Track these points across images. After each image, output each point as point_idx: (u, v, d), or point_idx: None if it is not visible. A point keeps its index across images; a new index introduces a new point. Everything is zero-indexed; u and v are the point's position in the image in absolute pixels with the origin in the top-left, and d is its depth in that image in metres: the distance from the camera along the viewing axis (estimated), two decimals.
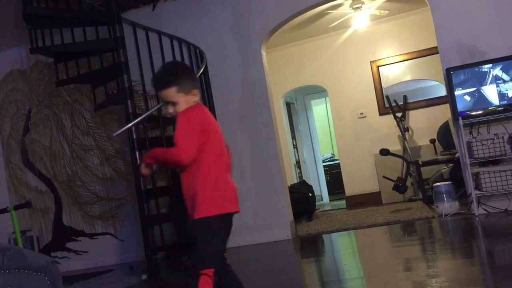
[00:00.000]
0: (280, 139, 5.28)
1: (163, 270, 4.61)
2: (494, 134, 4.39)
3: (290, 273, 3.70)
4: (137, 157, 4.45)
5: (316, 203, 6.83)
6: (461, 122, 4.41)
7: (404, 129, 6.76)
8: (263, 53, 5.22)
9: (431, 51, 6.45)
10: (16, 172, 6.11)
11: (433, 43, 5.07)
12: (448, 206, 4.72)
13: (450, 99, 4.57)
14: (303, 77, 7.63)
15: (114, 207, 5.67)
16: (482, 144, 4.38)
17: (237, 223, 5.44)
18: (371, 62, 7.25)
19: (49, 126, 5.96)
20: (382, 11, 6.38)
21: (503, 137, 4.37)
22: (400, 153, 6.49)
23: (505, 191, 4.34)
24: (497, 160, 4.45)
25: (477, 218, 4.31)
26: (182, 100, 2.25)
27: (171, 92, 2.24)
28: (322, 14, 6.29)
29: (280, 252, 4.63)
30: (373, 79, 7.23)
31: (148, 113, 4.45)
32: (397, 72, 7.21)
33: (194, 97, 2.28)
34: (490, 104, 4.42)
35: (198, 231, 2.17)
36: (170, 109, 2.28)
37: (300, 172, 8.60)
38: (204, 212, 2.17)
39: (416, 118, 7.00)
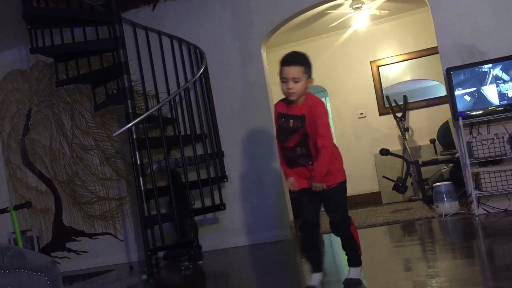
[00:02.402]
0: None
1: (163, 270, 4.61)
2: (494, 134, 4.39)
3: (290, 273, 3.70)
4: (137, 157, 4.46)
5: None
6: (461, 122, 4.41)
7: (404, 129, 6.76)
8: (263, 53, 5.22)
9: (431, 51, 6.44)
10: (16, 172, 6.11)
11: (433, 43, 5.07)
12: (448, 206, 4.71)
13: (450, 99, 4.57)
14: None
15: (114, 207, 5.67)
16: (482, 144, 4.38)
17: (237, 223, 5.47)
18: (371, 62, 7.24)
19: (49, 126, 5.97)
20: (382, 11, 6.38)
21: (503, 137, 4.36)
22: (400, 153, 6.49)
23: (505, 191, 4.34)
24: (497, 160, 4.45)
25: (477, 218, 4.31)
26: (304, 81, 2.64)
27: (301, 70, 2.63)
28: (322, 14, 6.29)
29: (280, 252, 4.63)
30: (373, 79, 7.23)
31: (148, 113, 4.46)
32: (397, 72, 7.20)
33: (310, 84, 2.70)
34: (490, 104, 4.42)
35: (342, 192, 2.80)
36: (290, 85, 2.62)
37: None
38: (344, 177, 2.82)
39: (416, 118, 7.00)
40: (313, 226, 2.85)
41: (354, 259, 2.81)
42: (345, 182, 2.83)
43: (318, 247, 2.91)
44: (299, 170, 2.77)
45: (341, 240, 2.83)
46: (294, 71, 2.62)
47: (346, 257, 2.86)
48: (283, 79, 2.65)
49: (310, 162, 2.71)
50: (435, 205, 4.85)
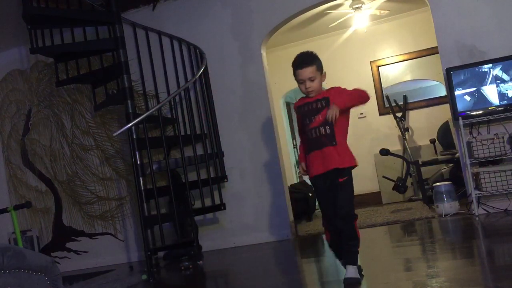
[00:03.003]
0: (280, 139, 5.29)
1: (163, 270, 4.61)
2: (494, 134, 4.39)
3: (290, 273, 3.70)
4: (137, 157, 4.46)
5: (316, 203, 6.83)
6: (461, 122, 4.41)
7: (404, 129, 6.76)
8: (263, 53, 5.22)
9: (431, 51, 6.45)
10: (16, 172, 6.11)
11: (433, 43, 5.07)
12: (448, 206, 4.71)
13: (450, 99, 4.57)
14: None
15: (114, 207, 5.67)
16: (482, 144, 4.38)
17: (237, 223, 5.47)
18: (371, 62, 7.25)
19: (49, 126, 5.97)
20: (382, 11, 6.38)
21: (503, 137, 4.36)
22: (400, 153, 6.49)
23: (505, 191, 4.34)
24: (497, 160, 4.45)
25: (477, 218, 4.31)
26: (318, 77, 2.91)
27: (313, 69, 2.88)
28: (322, 14, 6.29)
29: (280, 252, 4.63)
30: (373, 79, 7.24)
31: (148, 113, 4.46)
32: (397, 72, 7.21)
33: (324, 78, 2.95)
34: (490, 104, 4.42)
35: (351, 185, 2.86)
36: (308, 84, 2.89)
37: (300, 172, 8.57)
38: (354, 161, 2.91)
39: (416, 118, 7.00)
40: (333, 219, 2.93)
41: (352, 256, 2.83)
42: (352, 170, 2.91)
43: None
44: (320, 153, 2.87)
45: (343, 234, 2.84)
46: (308, 71, 2.87)
47: (345, 256, 2.87)
48: (300, 81, 2.91)
49: (334, 143, 2.84)
50: (435, 205, 4.85)
